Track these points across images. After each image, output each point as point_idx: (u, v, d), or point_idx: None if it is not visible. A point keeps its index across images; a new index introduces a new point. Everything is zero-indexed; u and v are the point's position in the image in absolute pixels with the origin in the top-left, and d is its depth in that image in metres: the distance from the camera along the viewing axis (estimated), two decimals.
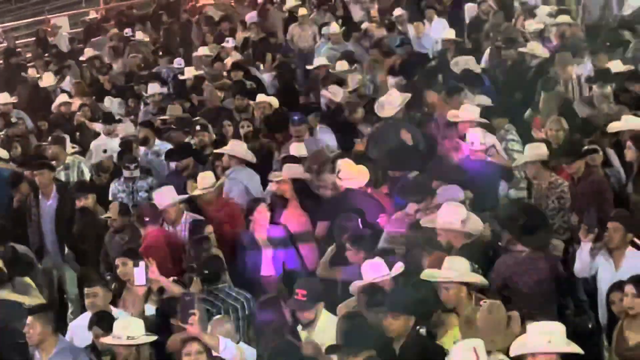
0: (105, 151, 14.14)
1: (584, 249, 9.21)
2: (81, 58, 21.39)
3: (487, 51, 16.90)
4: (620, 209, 9.56)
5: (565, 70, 14.26)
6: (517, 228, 9.33)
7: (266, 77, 18.29)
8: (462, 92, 13.73)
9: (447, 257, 8.53)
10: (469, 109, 12.43)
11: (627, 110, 12.04)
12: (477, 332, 7.48)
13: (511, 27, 18.22)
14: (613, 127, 11.57)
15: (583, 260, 9.23)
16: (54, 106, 17.34)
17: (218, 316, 8.63)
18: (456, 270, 8.31)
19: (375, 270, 8.61)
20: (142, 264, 8.98)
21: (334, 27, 19.21)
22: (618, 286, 8.22)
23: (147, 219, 10.98)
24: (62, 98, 17.32)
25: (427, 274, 8.42)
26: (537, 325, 7.07)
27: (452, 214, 9.37)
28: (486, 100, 13.38)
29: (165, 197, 11.16)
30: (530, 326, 7.11)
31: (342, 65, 16.80)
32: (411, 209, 10.17)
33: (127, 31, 22.99)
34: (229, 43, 20.04)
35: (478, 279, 8.45)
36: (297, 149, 12.38)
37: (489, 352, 7.10)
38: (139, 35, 22.30)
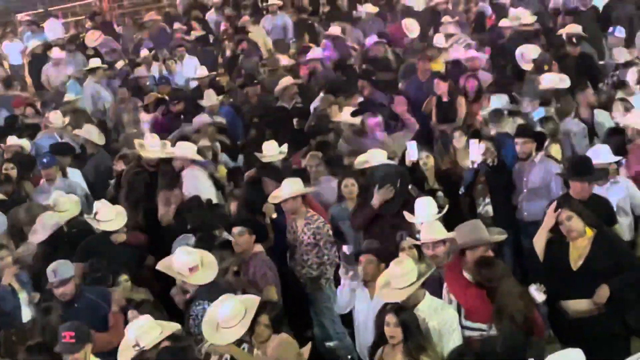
0: None
1: (345, 286, 9.28)
2: None
3: None
4: (370, 240, 9.58)
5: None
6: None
7: None
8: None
9: None
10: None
11: None
12: None
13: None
14: (361, 163, 11.87)
15: (344, 297, 9.35)
16: None
17: None
18: None
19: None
20: None
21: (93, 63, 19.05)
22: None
23: None
24: None
25: None
26: None
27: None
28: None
29: None
30: None
31: None
32: None
33: None
34: None
35: None
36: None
37: None
38: None
